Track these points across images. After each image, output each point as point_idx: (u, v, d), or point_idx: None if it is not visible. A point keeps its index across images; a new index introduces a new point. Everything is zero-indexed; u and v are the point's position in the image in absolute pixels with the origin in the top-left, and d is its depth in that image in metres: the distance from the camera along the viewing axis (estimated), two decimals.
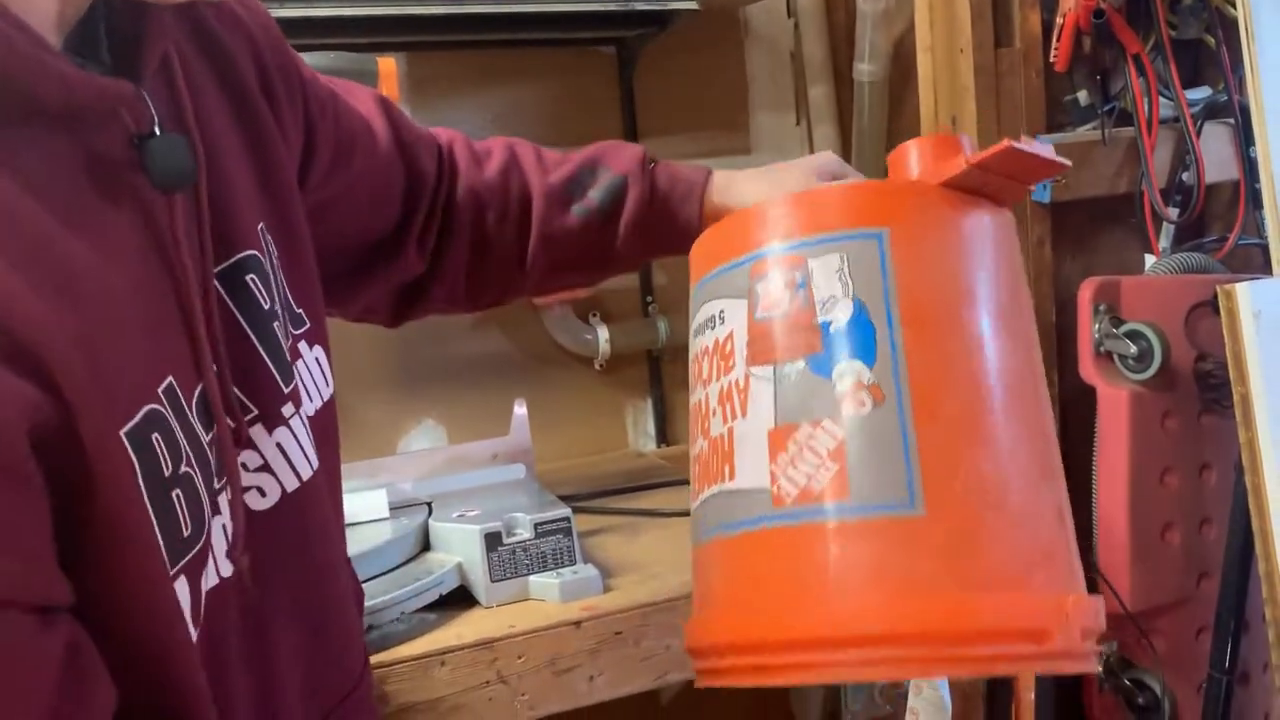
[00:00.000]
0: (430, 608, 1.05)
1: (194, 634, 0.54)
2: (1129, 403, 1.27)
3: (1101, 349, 1.29)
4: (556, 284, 0.98)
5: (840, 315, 0.64)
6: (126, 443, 0.50)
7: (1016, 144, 0.68)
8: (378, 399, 1.57)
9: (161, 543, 0.51)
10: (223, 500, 0.58)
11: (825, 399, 0.63)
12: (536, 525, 1.08)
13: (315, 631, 0.67)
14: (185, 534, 0.54)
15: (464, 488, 1.18)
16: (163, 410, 0.53)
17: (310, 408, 0.68)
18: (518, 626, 1.01)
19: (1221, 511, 1.30)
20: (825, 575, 0.61)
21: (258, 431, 0.62)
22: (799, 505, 0.63)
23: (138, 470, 0.50)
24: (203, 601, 0.55)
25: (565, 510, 1.10)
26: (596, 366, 1.66)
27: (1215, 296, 1.12)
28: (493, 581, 1.06)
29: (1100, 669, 1.34)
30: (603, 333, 1.63)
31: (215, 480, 0.57)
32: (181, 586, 0.53)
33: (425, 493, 1.16)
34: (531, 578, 1.07)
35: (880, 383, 0.63)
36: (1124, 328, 1.28)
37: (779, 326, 0.67)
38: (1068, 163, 0.72)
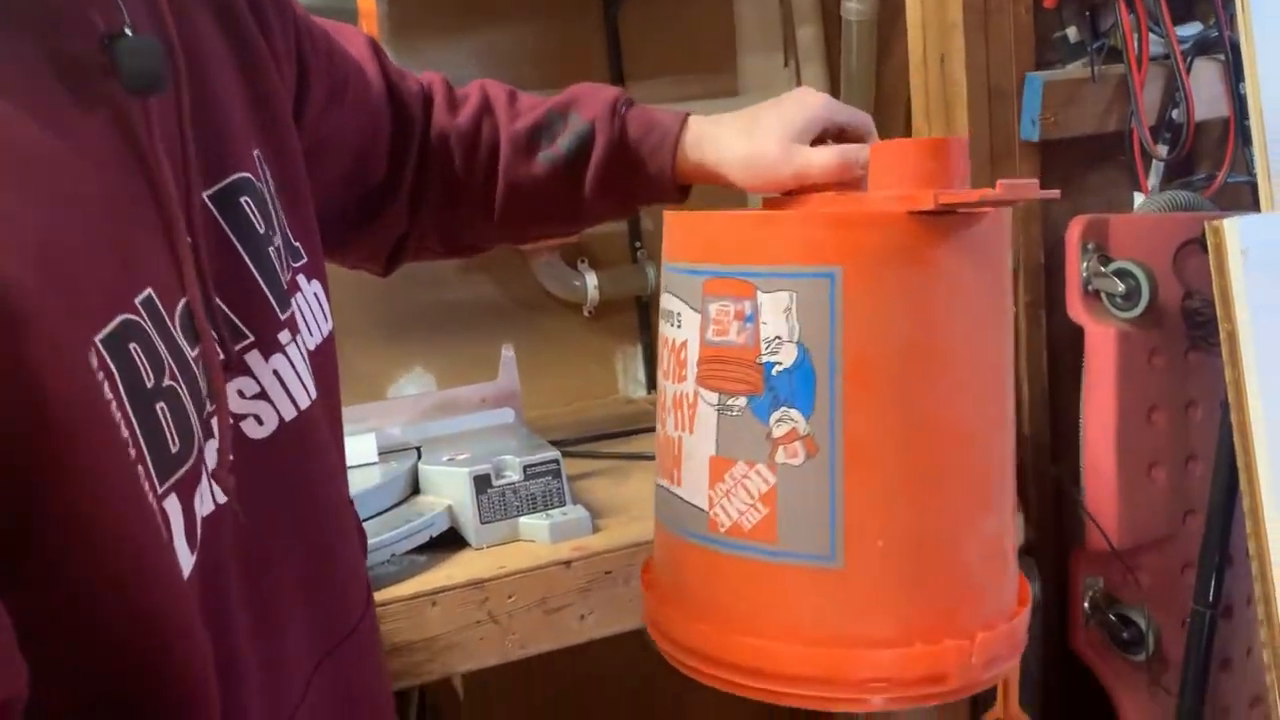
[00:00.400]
0: (421, 550, 1.06)
1: (190, 559, 0.52)
2: (1116, 341, 1.27)
3: (1090, 287, 1.29)
4: (530, 234, 0.97)
5: (785, 359, 0.64)
6: (104, 350, 0.47)
7: (993, 193, 0.63)
8: (366, 347, 1.57)
9: (148, 457, 0.49)
10: (214, 424, 0.56)
11: (761, 443, 0.65)
12: (525, 467, 1.09)
13: (319, 566, 0.66)
14: (174, 449, 0.51)
15: (453, 432, 1.18)
16: (140, 321, 0.50)
17: (310, 341, 0.67)
18: (508, 567, 1.02)
19: (1207, 449, 1.30)
20: (749, 609, 0.67)
21: (254, 358, 0.60)
22: (731, 537, 0.67)
23: (119, 381, 0.47)
24: (198, 527, 0.53)
25: (554, 453, 1.10)
26: (585, 313, 1.65)
27: (1203, 234, 1.12)
28: (482, 523, 1.07)
29: (1086, 606, 1.35)
30: (591, 279, 1.62)
31: (206, 402, 0.55)
32: (173, 505, 0.51)
33: (414, 438, 1.16)
34: (521, 519, 1.08)
35: (815, 434, 0.64)
36: (1112, 266, 1.28)
37: (727, 356, 0.68)
38: (1056, 194, 0.68)
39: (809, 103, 0.83)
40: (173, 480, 0.51)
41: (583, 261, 1.64)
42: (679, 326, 0.72)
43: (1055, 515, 1.44)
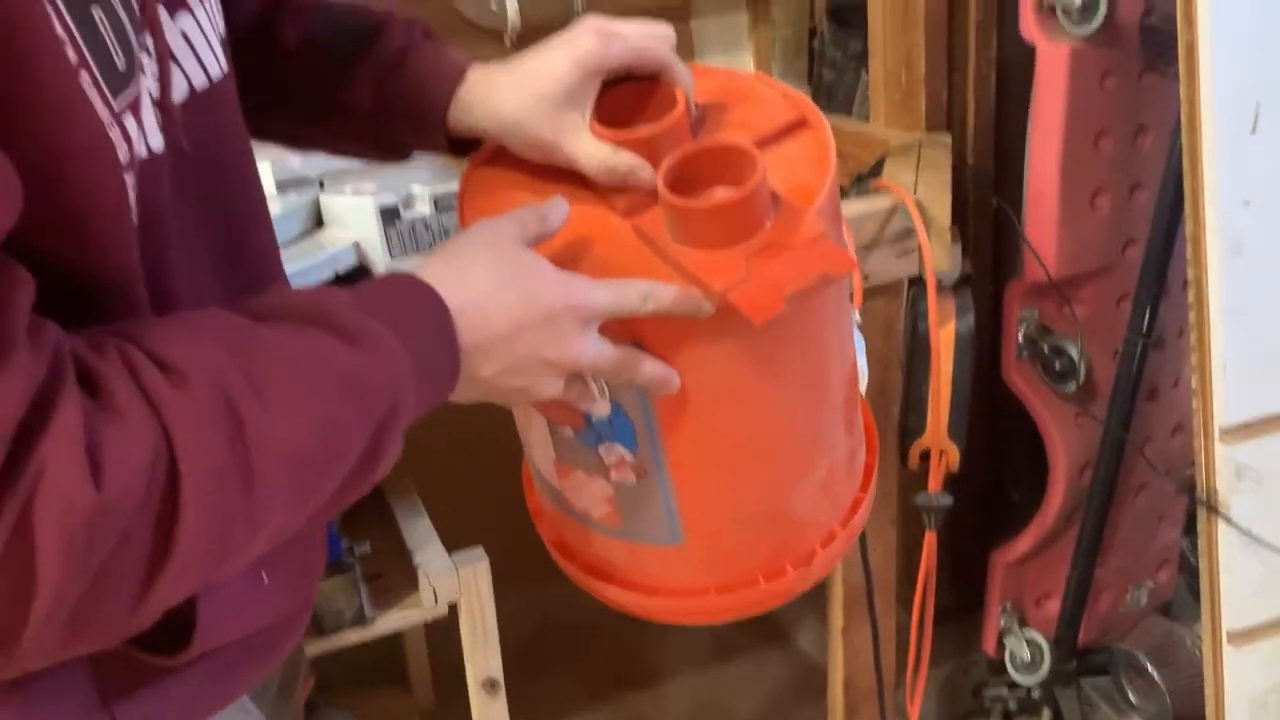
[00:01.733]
0: (329, 287, 1.00)
1: (132, 197, 0.49)
2: (1068, 59, 1.20)
3: (1045, 2, 1.21)
4: (265, 121, 0.73)
5: (600, 410, 0.64)
6: None
7: (792, 286, 0.58)
8: None
9: (95, 68, 0.45)
10: (147, 62, 0.51)
11: (594, 462, 0.67)
12: (436, 199, 1.02)
13: (234, 250, 0.61)
14: (120, 67, 0.47)
15: (357, 164, 1.10)
16: None
17: (216, 20, 0.60)
18: None
19: (1153, 177, 1.26)
20: (614, 563, 0.74)
21: (159, 13, 0.54)
22: (583, 515, 0.71)
23: None
24: (137, 163, 0.49)
25: None
26: (506, 42, 1.54)
27: None
28: (393, 259, 1.01)
29: (1020, 338, 1.34)
30: (511, 2, 1.50)
31: (138, 30, 0.50)
32: (132, 126, 0.48)
33: (315, 169, 1.08)
34: None
35: (642, 462, 0.66)
36: None
37: None
38: (852, 261, 0.63)
39: (581, 50, 0.67)
40: (125, 100, 0.48)
41: None
42: None
43: (994, 246, 1.41)
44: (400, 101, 0.70)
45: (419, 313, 0.56)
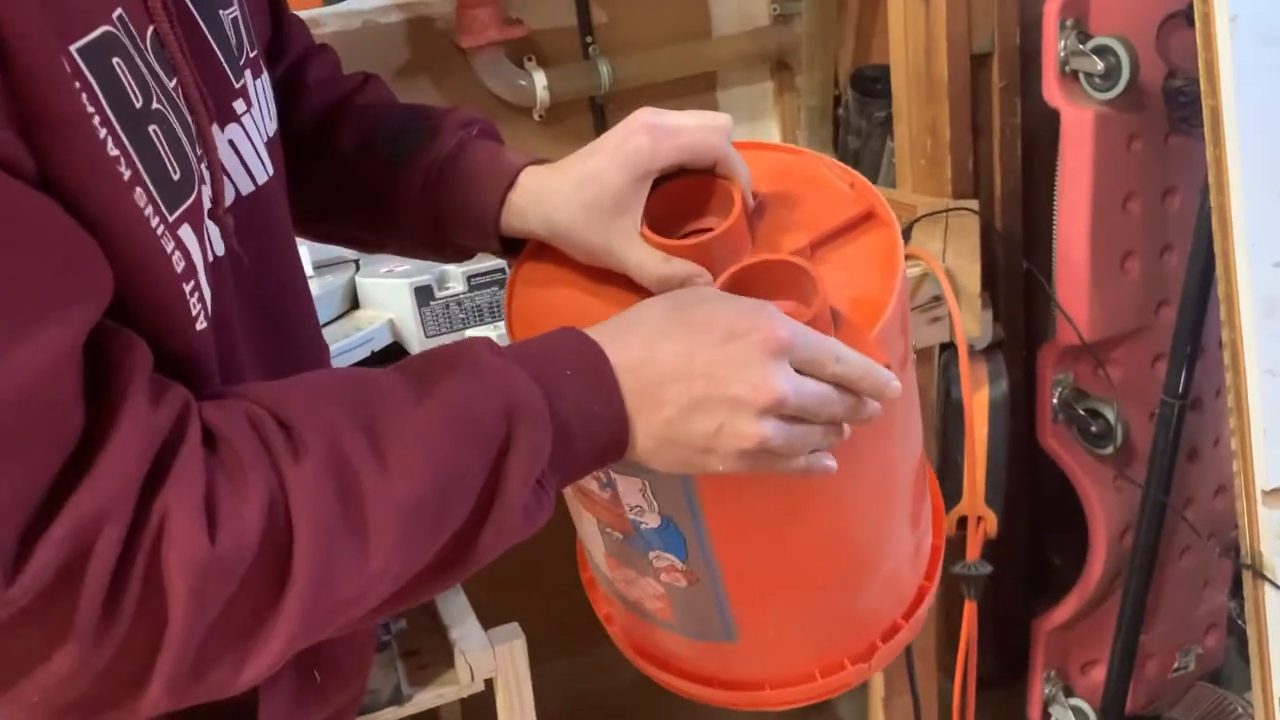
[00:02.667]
0: (365, 365, 1.01)
1: (208, 296, 0.50)
2: (1094, 124, 1.21)
3: (1067, 68, 1.22)
4: (325, 226, 0.77)
5: (650, 521, 0.62)
6: (80, 61, 0.44)
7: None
8: None
9: (149, 182, 0.47)
10: (204, 166, 0.53)
11: (645, 565, 0.66)
12: (469, 278, 1.04)
13: (289, 354, 0.62)
14: (175, 178, 0.49)
15: None
16: (119, 35, 0.47)
17: (265, 127, 0.62)
18: None
19: (1183, 238, 1.26)
20: (664, 650, 0.74)
21: (211, 128, 0.56)
22: (636, 605, 0.70)
23: (100, 95, 0.45)
24: (199, 271, 0.50)
25: (499, 261, 1.04)
26: (535, 117, 1.56)
27: (1190, 4, 1.04)
28: (427, 336, 1.02)
29: (1055, 401, 1.33)
30: (540, 78, 1.52)
31: (195, 143, 0.52)
32: (189, 236, 0.49)
33: (351, 252, 1.11)
34: (468, 331, 1.04)
35: (694, 569, 0.64)
36: (1091, 43, 1.20)
37: (596, 500, 0.65)
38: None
39: (630, 153, 0.64)
40: (183, 209, 0.49)
41: (530, 59, 1.54)
42: None
43: (1026, 310, 1.41)
44: (452, 205, 0.69)
45: (560, 348, 0.54)
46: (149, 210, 0.47)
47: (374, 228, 0.74)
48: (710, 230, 0.64)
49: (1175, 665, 1.45)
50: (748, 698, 0.72)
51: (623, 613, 0.74)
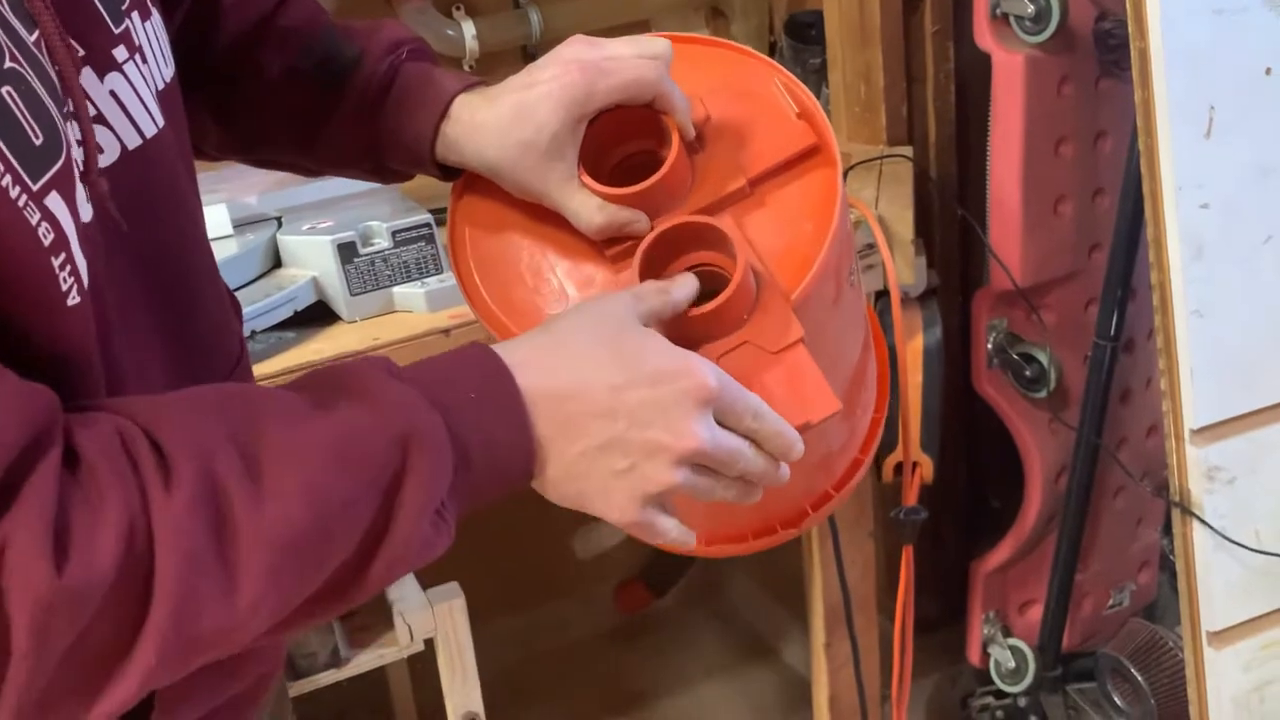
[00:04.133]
0: (288, 325, 0.99)
1: (82, 267, 0.47)
2: (1024, 68, 1.20)
3: (998, 11, 1.21)
4: (256, 150, 0.75)
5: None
6: None
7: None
8: None
9: (7, 152, 0.44)
10: (72, 128, 0.49)
11: None
12: (394, 233, 1.01)
13: (178, 311, 0.59)
14: (37, 142, 0.46)
15: (315, 200, 1.09)
16: None
17: (153, 76, 0.58)
18: (382, 339, 0.97)
19: (1115, 181, 1.26)
20: None
21: (86, 76, 0.53)
22: None
23: None
24: (70, 241, 0.47)
25: (425, 215, 1.03)
26: (465, 68, 1.53)
27: None
28: (352, 295, 1.00)
29: (990, 347, 1.34)
30: (469, 28, 1.49)
31: (61, 100, 0.48)
32: (57, 205, 0.46)
33: (272, 206, 1.08)
34: (395, 289, 1.02)
35: None
36: None
37: None
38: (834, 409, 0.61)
39: (565, 91, 0.63)
40: (49, 176, 0.46)
41: (458, 9, 1.50)
42: None
43: (961, 257, 1.41)
44: (386, 133, 0.68)
45: (466, 371, 0.52)
46: (7, 180, 0.44)
47: (309, 155, 0.72)
48: (648, 157, 0.63)
49: (1110, 602, 1.47)
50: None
51: None
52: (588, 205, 0.63)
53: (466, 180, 0.68)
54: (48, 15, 0.48)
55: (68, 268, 0.47)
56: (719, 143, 0.66)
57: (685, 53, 0.67)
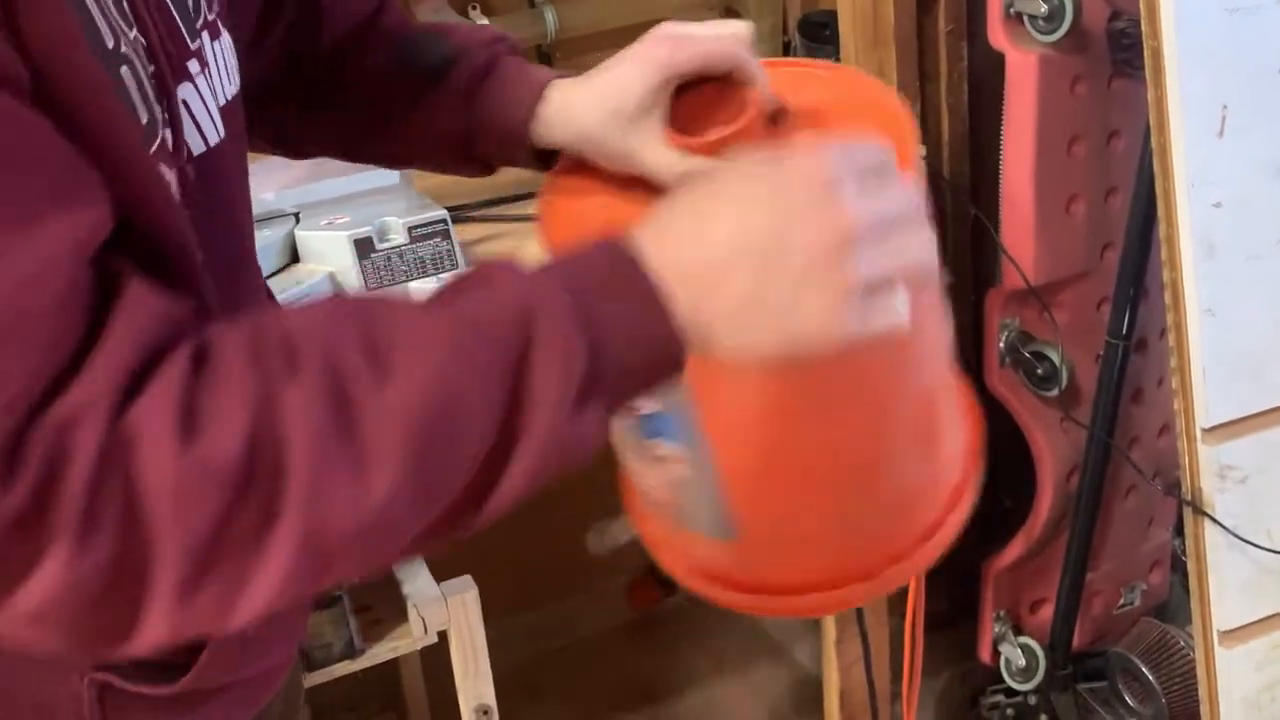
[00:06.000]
0: None
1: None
2: (1037, 67, 1.21)
3: (1011, 10, 1.22)
4: (348, 143, 0.80)
5: (645, 407, 0.61)
6: None
7: None
8: None
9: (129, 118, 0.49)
10: (166, 117, 0.54)
11: (646, 453, 0.67)
12: (410, 229, 1.02)
13: (230, 309, 0.61)
14: (144, 119, 0.50)
15: (332, 196, 1.11)
16: None
17: (219, 90, 0.62)
18: None
19: (1128, 180, 1.26)
20: (683, 547, 0.74)
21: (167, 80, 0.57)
22: (650, 496, 0.72)
23: (81, 27, 0.46)
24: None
25: (441, 212, 1.04)
26: None
27: None
28: (369, 289, 1.01)
29: (1002, 346, 1.34)
30: (483, 23, 1.50)
31: (159, 96, 0.53)
32: (167, 173, 0.51)
33: (290, 203, 1.09)
34: (411, 284, 1.03)
35: (689, 461, 0.66)
36: None
37: None
38: None
39: (650, 60, 0.67)
40: (154, 149, 0.50)
41: (474, 7, 1.51)
42: None
43: (973, 255, 1.42)
44: (485, 118, 0.72)
45: (584, 255, 0.50)
46: (137, 135, 0.48)
47: (406, 141, 0.77)
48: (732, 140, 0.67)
49: (1121, 601, 1.48)
50: (750, 601, 0.72)
51: (653, 519, 0.75)
52: (669, 158, 0.67)
53: (562, 164, 0.73)
54: (148, 18, 0.52)
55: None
56: (802, 128, 0.70)
57: (794, 74, 0.72)
